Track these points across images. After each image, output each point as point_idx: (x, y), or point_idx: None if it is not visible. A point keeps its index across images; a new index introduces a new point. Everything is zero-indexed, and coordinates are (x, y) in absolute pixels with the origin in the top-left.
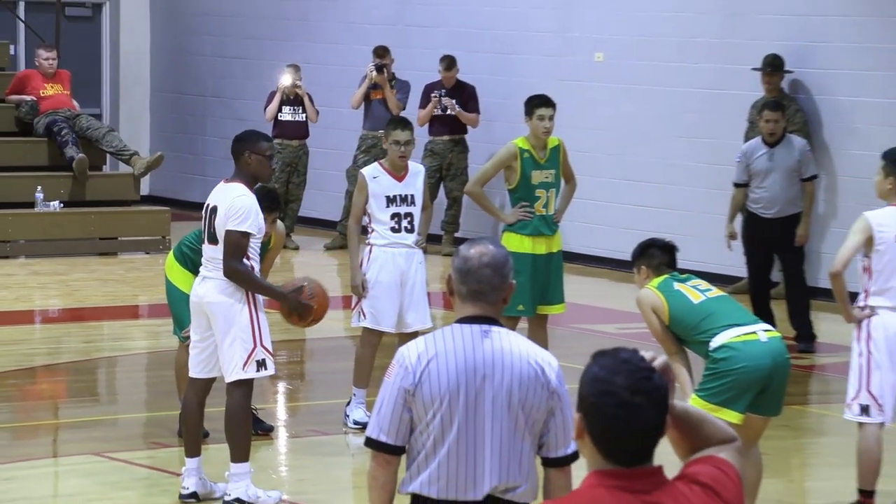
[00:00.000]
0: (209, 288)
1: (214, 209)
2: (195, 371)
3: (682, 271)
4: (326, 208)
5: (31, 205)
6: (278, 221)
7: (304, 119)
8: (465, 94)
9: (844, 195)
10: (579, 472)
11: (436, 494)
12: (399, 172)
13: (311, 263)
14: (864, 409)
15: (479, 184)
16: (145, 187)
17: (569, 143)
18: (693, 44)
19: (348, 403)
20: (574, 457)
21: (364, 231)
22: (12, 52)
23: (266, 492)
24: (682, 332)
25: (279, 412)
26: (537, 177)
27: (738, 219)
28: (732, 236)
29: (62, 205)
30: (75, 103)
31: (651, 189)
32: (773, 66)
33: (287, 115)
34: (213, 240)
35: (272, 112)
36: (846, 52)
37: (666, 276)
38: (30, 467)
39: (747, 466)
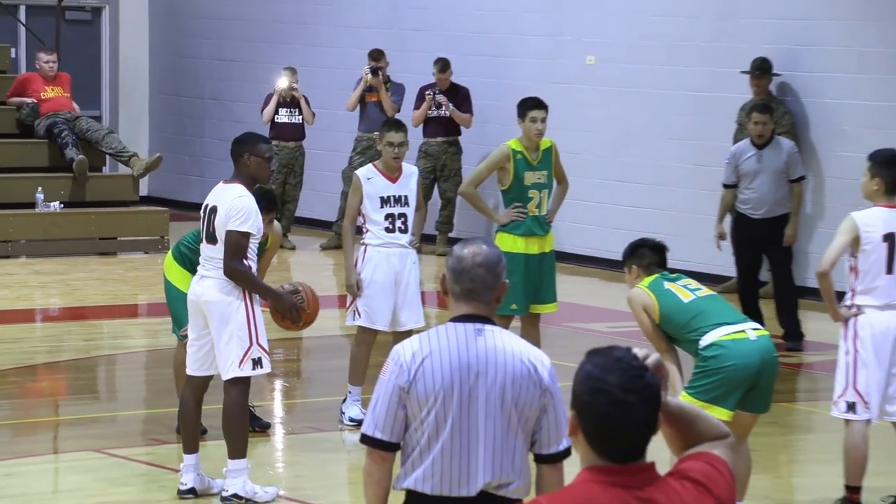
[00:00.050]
0: (207, 287)
1: (214, 209)
2: (192, 369)
3: (673, 271)
4: (322, 209)
5: (32, 205)
6: (275, 222)
7: (301, 121)
8: (459, 96)
9: (831, 196)
10: (571, 468)
11: (430, 490)
12: (393, 174)
13: (308, 263)
14: (851, 407)
15: (473, 185)
16: (144, 188)
17: (561, 145)
18: (683, 47)
19: (344, 401)
20: (566, 453)
21: (359, 231)
22: (13, 55)
23: (263, 487)
24: (673, 331)
25: (276, 409)
26: (530, 178)
27: (728, 219)
28: (722, 236)
29: (62, 205)
30: (75, 105)
31: (641, 190)
32: (761, 70)
33: (284, 117)
34: (212, 239)
35: (269, 114)
36: (833, 55)
37: (656, 275)
38: (30, 463)
39: (737, 462)
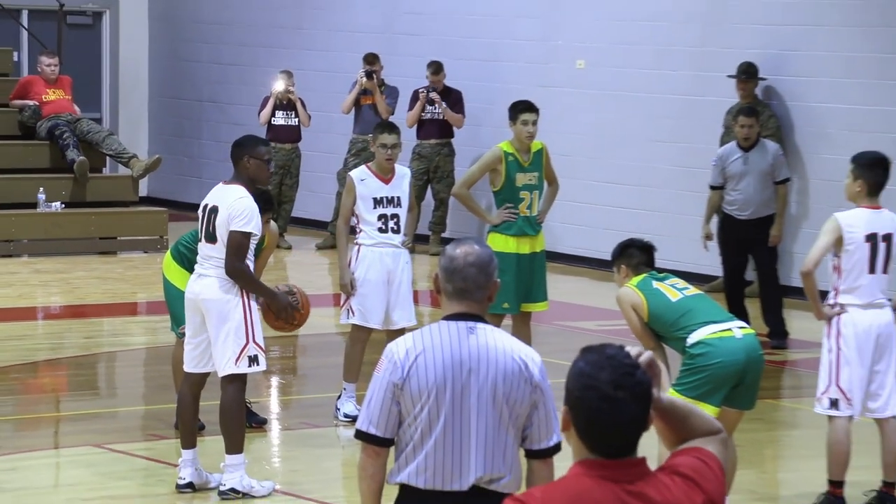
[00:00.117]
0: (205, 285)
1: (214, 209)
2: (190, 366)
3: (661, 270)
4: (318, 209)
5: (34, 205)
6: (272, 222)
7: (297, 123)
8: (452, 98)
9: (816, 197)
10: (561, 462)
11: (423, 485)
12: (386, 175)
13: (303, 262)
14: (834, 403)
15: (466, 186)
16: (144, 189)
17: (551, 147)
18: (671, 52)
19: (339, 397)
20: (556, 449)
21: (352, 231)
22: (15, 58)
23: (259, 482)
24: (661, 329)
25: (272, 405)
26: (521, 179)
27: (714, 220)
28: (708, 237)
29: (63, 205)
30: (76, 108)
31: (630, 191)
32: (747, 74)
33: (280, 119)
34: (212, 239)
35: (266, 116)
36: (818, 60)
37: (645, 274)
38: (32, 458)
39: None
